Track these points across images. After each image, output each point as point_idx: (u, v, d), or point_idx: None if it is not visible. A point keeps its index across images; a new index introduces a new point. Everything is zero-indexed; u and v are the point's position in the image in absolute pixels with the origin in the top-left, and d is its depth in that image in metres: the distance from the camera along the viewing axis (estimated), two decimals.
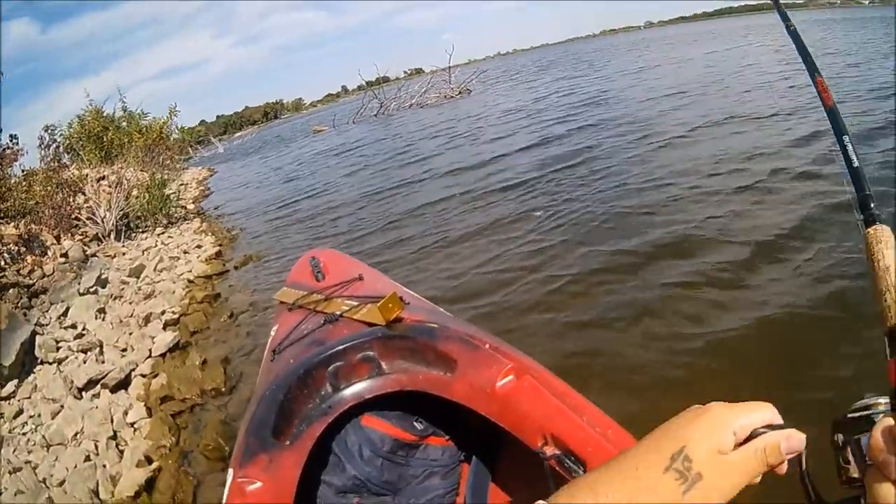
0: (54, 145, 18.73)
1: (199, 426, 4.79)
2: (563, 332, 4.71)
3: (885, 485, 0.66)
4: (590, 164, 9.86)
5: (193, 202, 17.81)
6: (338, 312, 2.88)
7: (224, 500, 2.01)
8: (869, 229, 0.77)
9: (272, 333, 3.13)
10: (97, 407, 5.24)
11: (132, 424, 4.97)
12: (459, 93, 36.42)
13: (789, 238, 5.40)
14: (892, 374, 0.70)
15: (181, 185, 22.33)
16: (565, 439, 1.89)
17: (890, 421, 0.67)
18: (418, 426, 2.75)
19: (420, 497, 2.70)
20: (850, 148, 0.82)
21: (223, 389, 5.29)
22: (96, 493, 4.18)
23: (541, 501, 0.71)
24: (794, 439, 0.73)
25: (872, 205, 0.79)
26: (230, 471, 2.11)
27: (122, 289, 8.81)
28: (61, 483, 4.27)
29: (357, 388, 2.49)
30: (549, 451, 1.90)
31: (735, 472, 0.71)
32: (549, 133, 13.92)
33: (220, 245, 10.97)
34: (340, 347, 2.51)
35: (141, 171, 17.64)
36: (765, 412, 0.75)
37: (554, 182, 9.25)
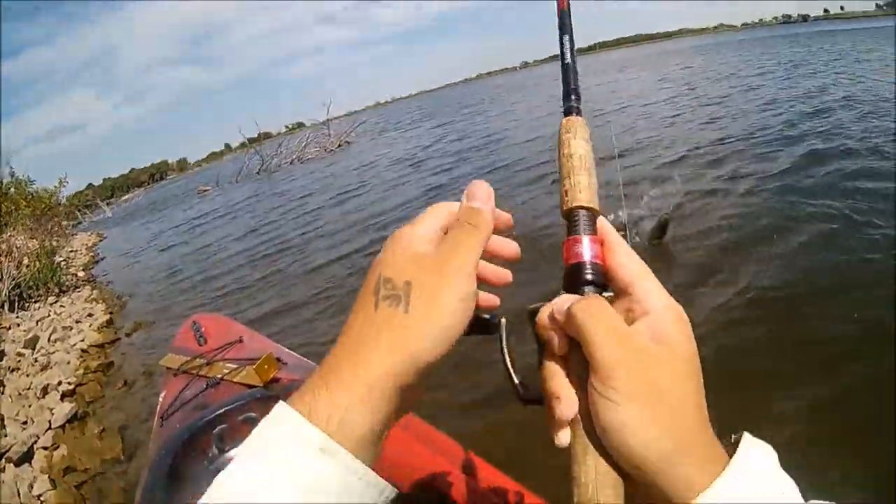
0: None
1: (102, 496, 4.76)
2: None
3: (550, 363, 0.62)
4: None
5: (84, 269, 17.24)
6: (219, 376, 2.87)
7: None
8: (563, 119, 0.77)
9: (160, 400, 3.08)
10: (3, 482, 5.13)
11: (39, 497, 4.90)
12: (339, 145, 36.48)
13: None
14: (565, 253, 0.67)
15: (71, 251, 21.69)
16: (437, 485, 1.85)
17: (558, 301, 0.63)
18: None
19: None
20: (566, 46, 0.82)
21: (122, 458, 5.26)
22: None
23: None
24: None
25: (573, 97, 0.79)
26: None
27: (19, 361, 8.59)
28: None
29: None
30: (423, 497, 1.86)
31: (452, 253, 0.65)
32: (434, 182, 14.21)
33: (110, 312, 10.80)
34: (222, 410, 2.45)
35: (31, 238, 17.24)
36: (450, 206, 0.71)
37: None
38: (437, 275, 0.62)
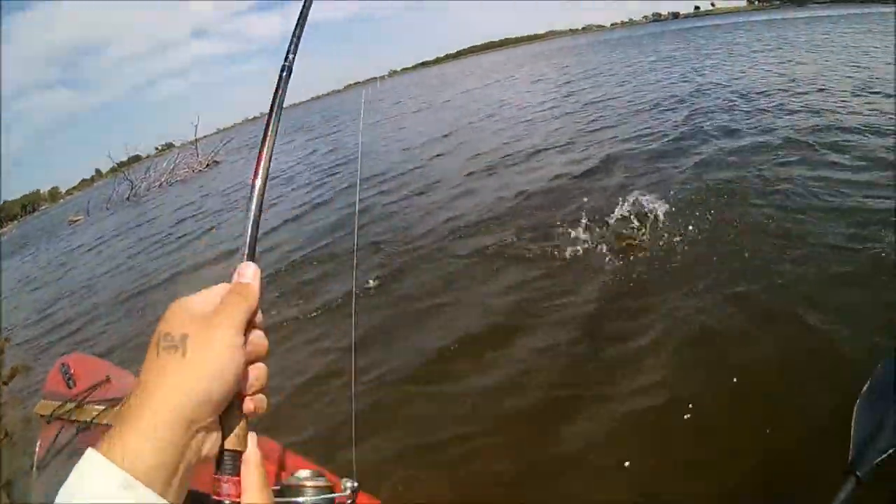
0: None
1: None
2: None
3: None
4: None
5: None
6: (89, 419, 2.80)
7: None
8: None
9: (36, 450, 2.99)
10: None
11: None
12: (207, 165, 35.87)
13: None
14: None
15: None
16: None
17: None
18: None
19: None
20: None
21: None
22: None
23: None
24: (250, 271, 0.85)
25: None
26: None
27: None
28: None
29: None
30: None
31: (218, 312, 0.75)
32: (311, 199, 13.92)
33: None
34: None
35: None
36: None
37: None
38: (209, 328, 0.72)
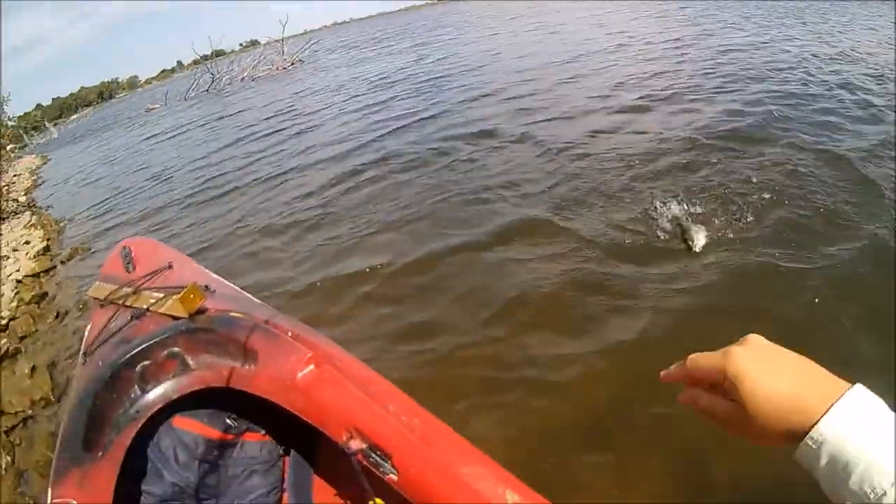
0: None
1: (31, 441, 4.52)
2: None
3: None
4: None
5: (25, 194, 16.70)
6: (145, 307, 2.68)
7: None
8: None
9: (86, 334, 2.91)
10: None
11: None
12: (292, 64, 35.49)
13: None
14: None
15: (14, 175, 21.14)
16: (369, 433, 1.82)
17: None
18: (231, 423, 2.61)
19: (243, 498, 2.57)
20: None
21: (51, 398, 4.99)
22: None
23: None
24: None
25: None
26: (49, 491, 1.96)
27: None
28: None
29: (164, 389, 2.32)
30: (355, 444, 1.82)
31: None
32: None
33: (48, 239, 10.35)
34: (145, 345, 2.32)
35: None
36: None
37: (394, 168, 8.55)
38: None
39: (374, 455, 1.79)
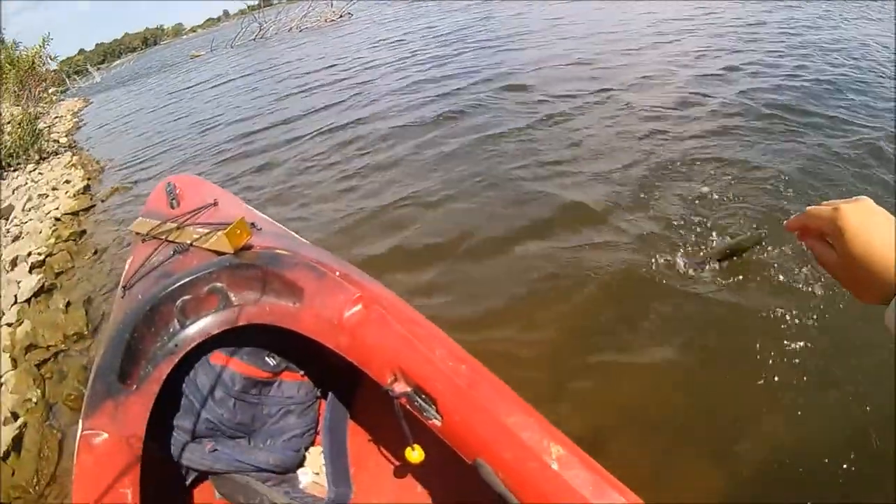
0: None
1: (63, 374, 4.53)
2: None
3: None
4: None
5: (66, 135, 16.79)
6: (188, 242, 2.65)
7: (75, 458, 1.84)
8: None
9: (126, 268, 2.87)
10: None
11: None
12: (340, 16, 35.23)
13: None
14: None
15: (56, 117, 21.25)
16: (414, 376, 1.78)
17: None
18: (271, 361, 2.60)
19: (277, 437, 2.59)
20: None
21: (85, 332, 4.99)
22: None
23: None
24: None
25: None
26: (80, 423, 1.93)
27: None
28: None
29: (204, 324, 2.29)
30: (399, 388, 1.79)
31: None
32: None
33: (88, 178, 10.39)
34: (187, 279, 2.29)
35: (14, 105, 16.70)
36: None
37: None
38: None
39: (418, 399, 1.76)
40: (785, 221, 1.00)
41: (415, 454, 1.81)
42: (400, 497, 2.45)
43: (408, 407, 1.76)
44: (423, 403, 1.75)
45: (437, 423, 1.71)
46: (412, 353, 1.83)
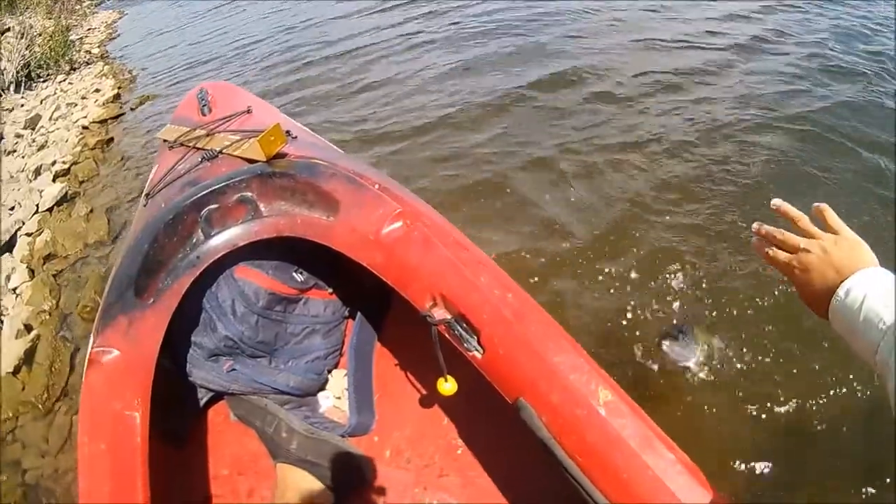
0: None
1: (79, 284, 4.48)
2: None
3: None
4: None
5: (99, 46, 16.64)
6: (217, 148, 2.54)
7: (83, 377, 1.79)
8: None
9: (151, 175, 2.79)
10: None
11: (14, 290, 4.65)
12: None
13: None
14: None
15: (89, 29, 21.13)
16: (457, 302, 1.69)
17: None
18: (298, 277, 2.54)
19: (299, 358, 2.55)
20: None
21: (106, 240, 4.93)
22: None
23: None
24: None
25: None
26: (91, 339, 1.88)
27: (16, 143, 8.24)
28: None
29: (230, 235, 2.20)
30: (438, 314, 1.71)
31: None
32: None
33: (119, 87, 10.22)
34: (215, 187, 2.20)
35: (46, 17, 16.57)
36: None
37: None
38: None
39: (459, 328, 1.67)
40: (756, 226, 1.13)
41: (447, 386, 1.77)
42: (424, 429, 2.45)
43: (446, 335, 1.69)
44: (463, 333, 1.67)
45: (478, 355, 1.64)
46: (456, 277, 1.75)
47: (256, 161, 2.29)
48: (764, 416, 2.65)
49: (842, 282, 0.95)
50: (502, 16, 8.52)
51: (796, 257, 1.04)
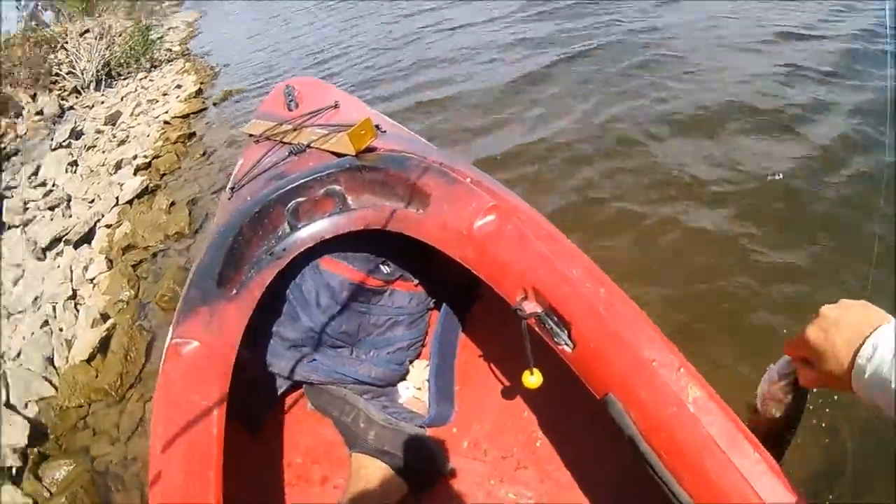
0: (32, 4, 18.14)
1: (158, 275, 4.52)
2: None
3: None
4: None
5: (180, 44, 17.05)
6: (305, 142, 2.56)
7: (161, 367, 1.79)
8: None
9: (235, 169, 2.83)
10: (58, 266, 4.99)
11: (91, 280, 4.72)
12: None
13: None
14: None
15: (169, 28, 21.64)
16: (549, 296, 1.67)
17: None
18: (385, 269, 2.55)
19: (381, 349, 2.58)
20: None
21: (187, 232, 4.99)
22: (51, 361, 3.98)
23: None
24: None
25: None
26: (170, 330, 1.87)
27: (97, 138, 8.40)
28: (17, 355, 4.05)
29: (317, 227, 2.23)
30: (529, 307, 1.67)
31: None
32: None
33: (201, 83, 10.36)
34: (302, 181, 2.23)
35: (127, 18, 16.95)
36: None
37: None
38: None
39: (549, 322, 1.65)
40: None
41: (532, 379, 1.76)
42: (504, 421, 2.47)
43: (535, 329, 1.68)
44: (554, 327, 1.65)
45: (568, 349, 1.62)
46: (548, 271, 1.75)
47: (345, 155, 2.33)
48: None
49: (860, 346, 0.91)
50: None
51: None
